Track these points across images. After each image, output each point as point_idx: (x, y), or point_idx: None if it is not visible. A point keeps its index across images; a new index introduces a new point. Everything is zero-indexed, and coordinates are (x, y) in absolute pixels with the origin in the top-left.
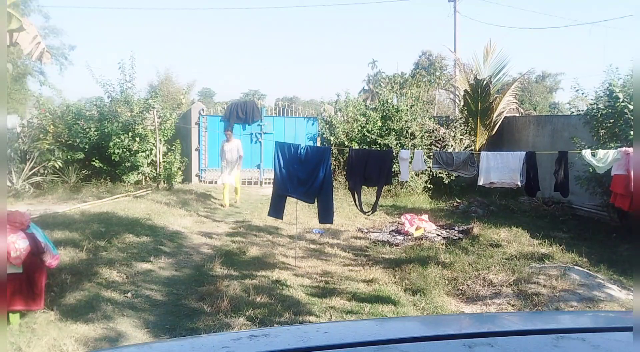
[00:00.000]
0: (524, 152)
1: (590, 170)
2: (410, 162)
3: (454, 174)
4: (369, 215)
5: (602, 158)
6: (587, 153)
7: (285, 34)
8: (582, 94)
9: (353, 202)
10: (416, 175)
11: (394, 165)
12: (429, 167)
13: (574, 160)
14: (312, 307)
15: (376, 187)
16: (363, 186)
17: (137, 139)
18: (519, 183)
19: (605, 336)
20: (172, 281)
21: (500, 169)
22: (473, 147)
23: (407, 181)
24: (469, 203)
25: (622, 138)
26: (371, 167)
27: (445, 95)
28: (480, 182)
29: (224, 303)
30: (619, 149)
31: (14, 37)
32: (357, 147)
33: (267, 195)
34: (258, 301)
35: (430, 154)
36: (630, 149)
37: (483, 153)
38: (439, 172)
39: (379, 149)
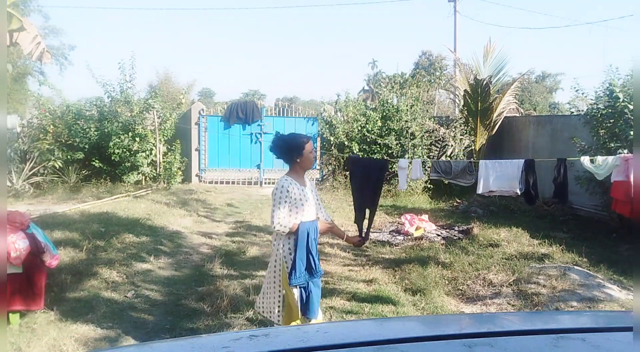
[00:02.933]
0: (523, 161)
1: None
2: (409, 172)
3: None
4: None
5: (601, 165)
6: (585, 160)
7: (285, 34)
8: (582, 94)
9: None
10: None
11: (396, 164)
12: (428, 175)
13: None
14: None
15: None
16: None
17: (137, 139)
18: (518, 191)
19: (605, 336)
20: (172, 281)
21: (499, 178)
22: (473, 147)
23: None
24: (469, 203)
25: (622, 138)
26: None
27: (445, 95)
28: (480, 191)
29: (224, 303)
30: (617, 155)
31: (14, 37)
32: (357, 147)
33: (267, 195)
34: None
35: (430, 154)
36: (630, 155)
37: (482, 162)
38: None
39: (379, 148)
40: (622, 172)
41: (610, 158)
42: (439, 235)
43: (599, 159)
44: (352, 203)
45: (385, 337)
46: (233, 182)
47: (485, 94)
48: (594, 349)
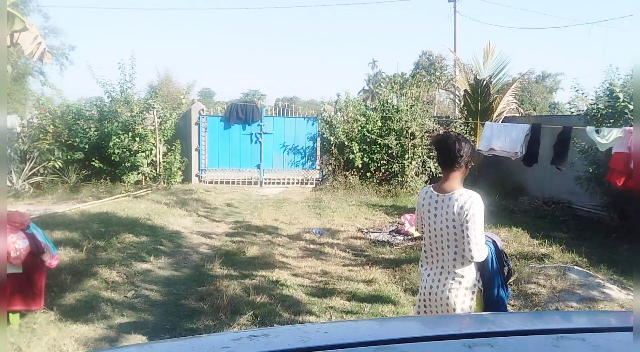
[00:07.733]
0: (528, 125)
1: (590, 170)
2: None
3: None
4: None
5: (606, 135)
6: (591, 130)
7: (285, 34)
8: (582, 94)
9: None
10: (416, 175)
11: (396, 164)
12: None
13: (574, 160)
14: (311, 307)
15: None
16: (362, 185)
17: (137, 139)
18: (518, 153)
19: (605, 336)
20: (172, 281)
21: (502, 139)
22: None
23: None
24: None
25: None
26: None
27: (445, 95)
28: (480, 147)
29: (223, 303)
30: (622, 127)
31: (15, 38)
32: (357, 147)
33: (267, 195)
34: (258, 301)
35: (430, 154)
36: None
37: (487, 123)
38: (439, 173)
39: (379, 148)
40: (625, 144)
41: (615, 130)
42: None
43: (604, 130)
44: None
45: (385, 337)
46: (233, 182)
47: (485, 94)
48: (594, 349)
